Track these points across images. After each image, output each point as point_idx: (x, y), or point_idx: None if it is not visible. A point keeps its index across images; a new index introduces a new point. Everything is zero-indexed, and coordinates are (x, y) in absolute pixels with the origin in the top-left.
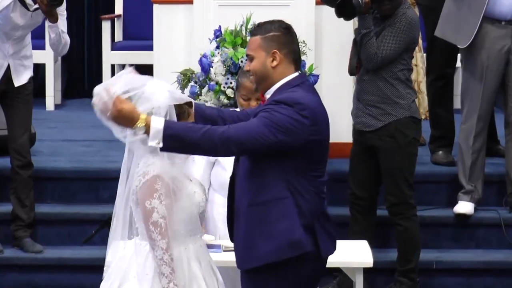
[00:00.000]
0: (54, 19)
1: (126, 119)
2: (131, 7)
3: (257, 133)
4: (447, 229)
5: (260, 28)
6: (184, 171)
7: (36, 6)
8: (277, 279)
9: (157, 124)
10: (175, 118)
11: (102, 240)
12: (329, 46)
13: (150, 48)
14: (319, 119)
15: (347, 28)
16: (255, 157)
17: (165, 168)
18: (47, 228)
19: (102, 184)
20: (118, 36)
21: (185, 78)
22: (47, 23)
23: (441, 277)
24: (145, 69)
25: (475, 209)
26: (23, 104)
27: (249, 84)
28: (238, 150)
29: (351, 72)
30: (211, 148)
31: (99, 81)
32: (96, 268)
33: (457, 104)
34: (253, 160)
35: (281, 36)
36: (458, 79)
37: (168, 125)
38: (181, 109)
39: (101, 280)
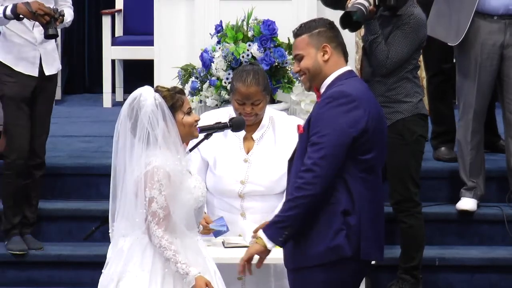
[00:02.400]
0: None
1: (256, 254)
2: (131, 1)
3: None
4: (450, 226)
5: (303, 28)
6: (186, 165)
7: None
8: (324, 279)
9: (264, 236)
10: (168, 113)
11: (103, 236)
12: None
13: (150, 43)
14: (366, 106)
15: None
16: None
17: (167, 160)
18: (47, 225)
19: (103, 180)
20: (119, 31)
21: (186, 73)
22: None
23: (444, 274)
24: (146, 64)
25: (478, 206)
26: (46, 104)
27: (244, 89)
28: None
29: (367, 80)
30: (309, 207)
31: (99, 76)
32: (97, 264)
33: None
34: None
35: (328, 31)
36: None
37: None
38: (173, 99)
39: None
